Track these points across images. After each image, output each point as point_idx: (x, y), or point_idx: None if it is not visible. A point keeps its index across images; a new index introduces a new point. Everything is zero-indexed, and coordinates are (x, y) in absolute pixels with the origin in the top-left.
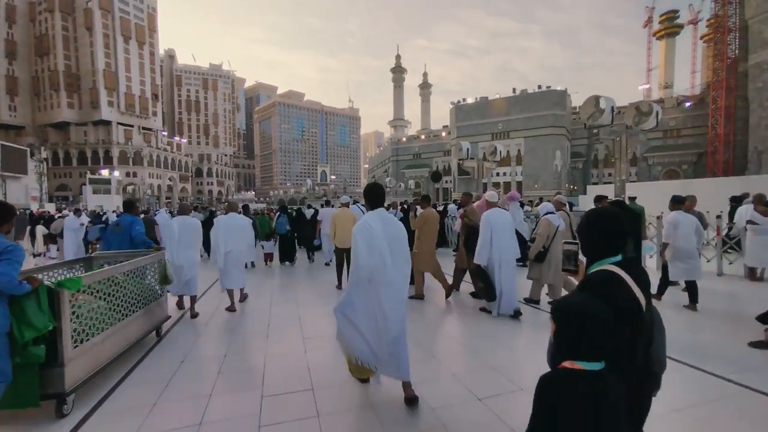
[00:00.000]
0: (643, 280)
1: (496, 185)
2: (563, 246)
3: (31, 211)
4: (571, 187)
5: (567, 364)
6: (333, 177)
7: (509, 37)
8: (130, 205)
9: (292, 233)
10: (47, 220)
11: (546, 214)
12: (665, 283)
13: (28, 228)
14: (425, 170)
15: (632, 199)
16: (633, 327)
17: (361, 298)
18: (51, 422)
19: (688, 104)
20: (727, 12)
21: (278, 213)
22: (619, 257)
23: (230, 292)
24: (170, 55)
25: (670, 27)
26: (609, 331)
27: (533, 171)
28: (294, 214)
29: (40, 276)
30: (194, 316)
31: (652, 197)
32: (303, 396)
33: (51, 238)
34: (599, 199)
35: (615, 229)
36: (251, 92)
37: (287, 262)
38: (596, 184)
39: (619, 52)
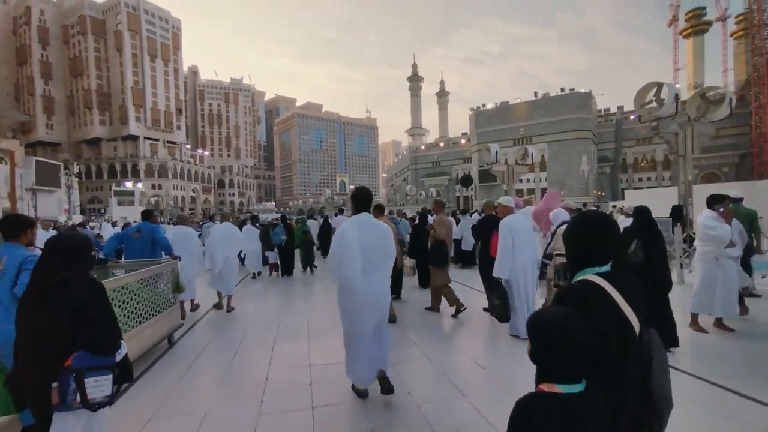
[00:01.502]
0: (637, 297)
1: (519, 192)
2: (555, 259)
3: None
4: (599, 193)
5: (544, 387)
6: (352, 187)
7: (526, 42)
8: (148, 214)
9: (288, 243)
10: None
11: (562, 224)
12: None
13: None
14: (445, 178)
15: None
16: (619, 351)
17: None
18: None
19: None
20: (761, 6)
21: (277, 223)
22: (606, 267)
23: (219, 294)
24: (194, 72)
25: (697, 25)
26: (588, 350)
27: (558, 177)
28: (321, 222)
29: None
30: (193, 309)
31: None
32: None
33: None
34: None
35: (598, 235)
36: (271, 105)
37: (285, 275)
38: (626, 189)
39: (642, 53)
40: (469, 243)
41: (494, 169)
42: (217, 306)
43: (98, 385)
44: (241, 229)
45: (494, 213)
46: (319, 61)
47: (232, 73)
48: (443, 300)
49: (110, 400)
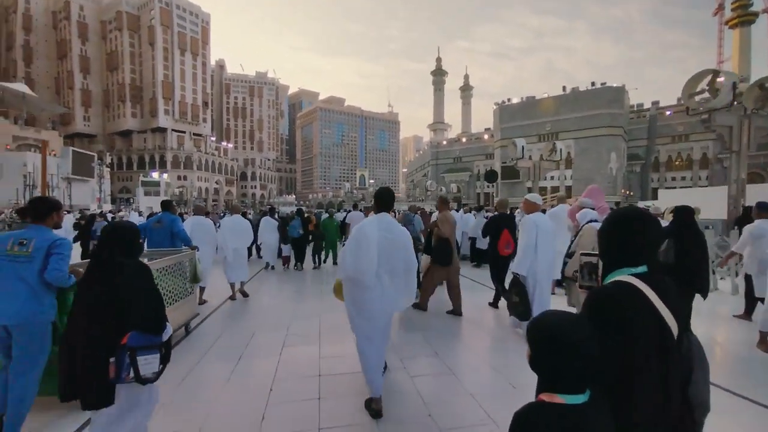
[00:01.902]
0: (675, 300)
1: (543, 190)
2: (580, 258)
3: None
4: (628, 192)
5: (545, 397)
6: (371, 181)
7: (554, 35)
8: (168, 205)
9: (305, 237)
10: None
11: (590, 221)
12: (752, 299)
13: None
14: (466, 174)
15: None
16: (659, 358)
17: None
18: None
19: None
20: None
21: (295, 216)
22: (642, 268)
23: (232, 285)
24: (220, 65)
25: (744, 15)
26: (592, 358)
27: (585, 174)
28: (344, 216)
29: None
30: (201, 303)
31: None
32: None
33: None
34: None
35: (638, 232)
36: (294, 99)
37: (298, 263)
38: (657, 188)
39: (679, 46)
40: (484, 241)
41: (520, 165)
42: (232, 298)
43: (147, 363)
44: (259, 221)
45: (506, 212)
46: (342, 55)
47: (257, 67)
48: (462, 303)
49: (157, 377)
